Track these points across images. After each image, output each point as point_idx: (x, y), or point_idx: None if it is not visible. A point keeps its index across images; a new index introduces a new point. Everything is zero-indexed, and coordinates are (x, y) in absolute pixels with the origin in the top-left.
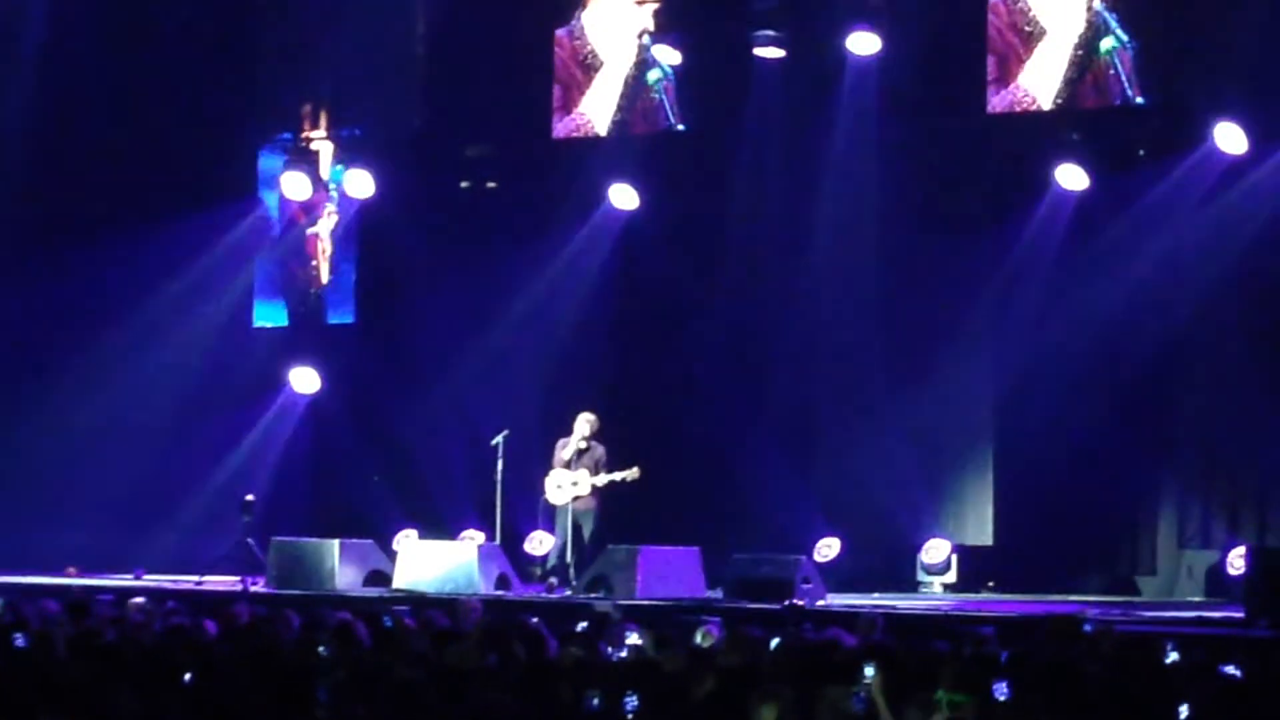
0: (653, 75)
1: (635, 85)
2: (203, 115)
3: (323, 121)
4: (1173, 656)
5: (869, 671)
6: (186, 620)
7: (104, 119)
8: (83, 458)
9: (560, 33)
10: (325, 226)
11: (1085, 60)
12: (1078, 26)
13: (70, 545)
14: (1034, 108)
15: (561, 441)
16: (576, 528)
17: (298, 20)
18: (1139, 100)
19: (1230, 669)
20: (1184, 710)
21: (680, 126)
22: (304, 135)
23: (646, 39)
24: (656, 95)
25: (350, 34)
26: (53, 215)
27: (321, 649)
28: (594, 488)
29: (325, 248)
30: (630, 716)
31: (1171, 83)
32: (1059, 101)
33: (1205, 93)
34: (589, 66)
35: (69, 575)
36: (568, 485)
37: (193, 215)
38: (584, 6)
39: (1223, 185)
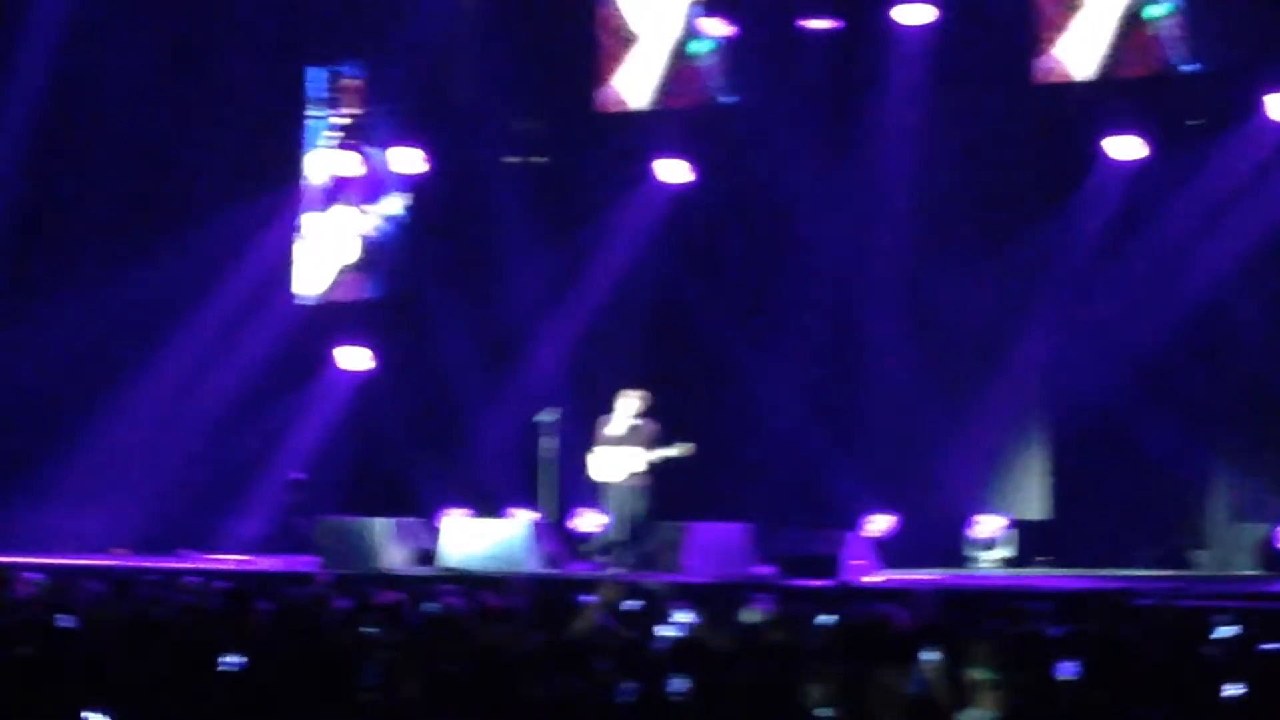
0: (699, 46)
1: (680, 57)
2: (249, 95)
3: (366, 99)
4: (1225, 631)
5: (927, 654)
6: (235, 599)
7: (151, 106)
8: (130, 440)
9: (599, 7)
10: (371, 203)
11: (1131, 26)
12: None
13: (118, 527)
14: (1080, 77)
15: (604, 418)
16: (629, 505)
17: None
18: (1187, 68)
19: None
20: (1233, 687)
21: (728, 99)
22: (351, 112)
23: (693, 10)
24: (703, 65)
25: (397, 10)
26: (103, 204)
27: (369, 629)
28: (648, 464)
29: (374, 224)
30: (679, 697)
31: (1220, 50)
32: (1105, 70)
33: (1256, 60)
34: (626, 39)
35: (116, 556)
36: (618, 462)
37: (242, 196)
38: None
39: (1275, 154)
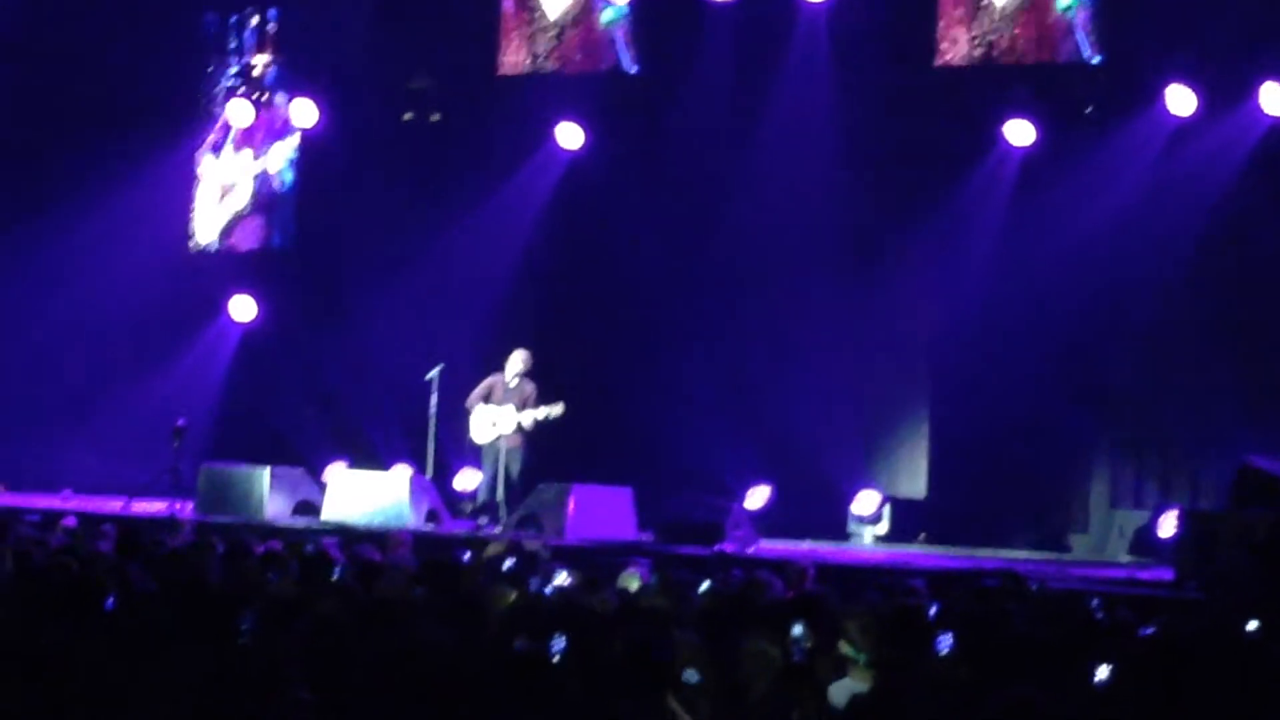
0: (606, 15)
1: (583, 22)
2: (147, 33)
3: (268, 48)
4: (1099, 615)
5: (800, 625)
6: (112, 544)
7: (50, 35)
8: (16, 373)
9: None
10: (267, 152)
11: (1038, 14)
12: None
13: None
14: (982, 60)
15: (489, 378)
16: (504, 465)
17: None
18: (1094, 59)
19: (1151, 630)
20: (1105, 670)
21: (632, 69)
22: (249, 61)
23: None
24: (609, 34)
25: None
26: None
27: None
28: (519, 425)
29: (266, 174)
30: (557, 657)
31: (1122, 40)
32: (1008, 55)
33: (1156, 52)
34: (529, 7)
35: None
36: (493, 422)
37: (136, 135)
38: None
39: (1169, 147)
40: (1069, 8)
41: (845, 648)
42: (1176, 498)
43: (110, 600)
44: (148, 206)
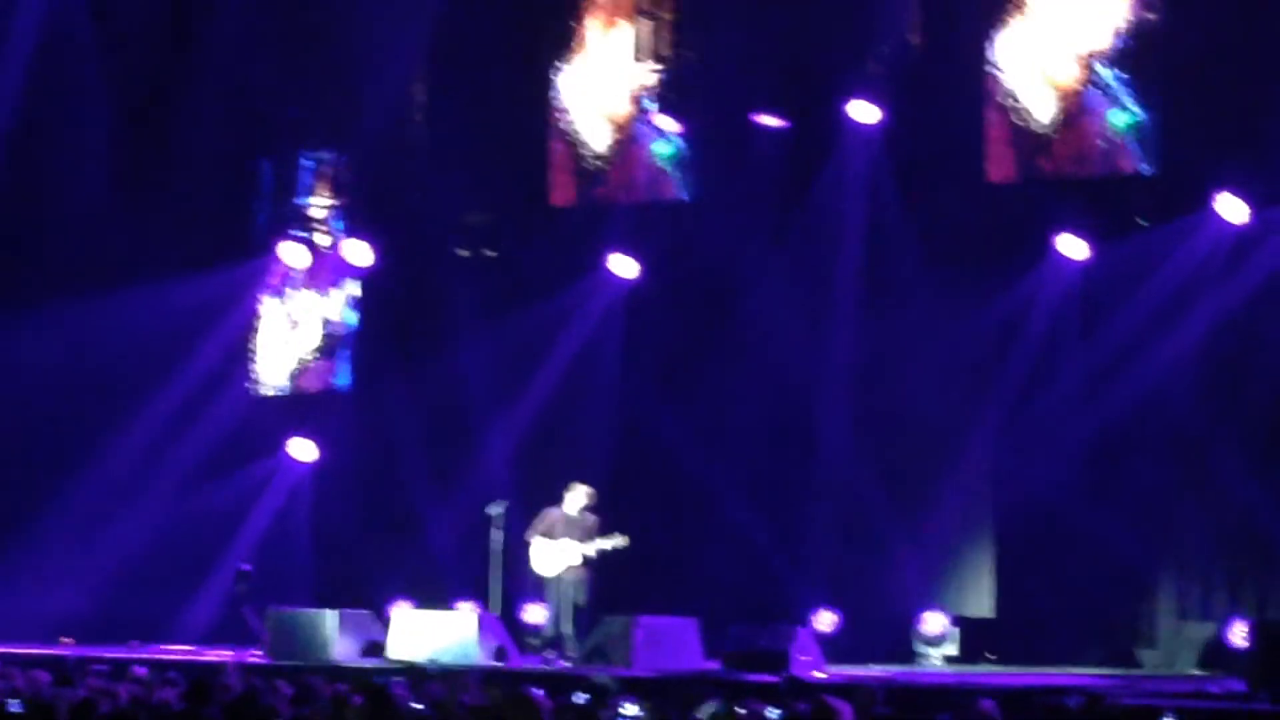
0: (660, 149)
1: (630, 154)
2: (205, 177)
3: (325, 190)
4: None
5: None
6: (184, 690)
7: (104, 177)
8: (79, 527)
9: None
10: (325, 294)
11: (1091, 128)
12: (1078, 82)
13: (66, 615)
14: (1035, 174)
15: (547, 510)
16: (570, 597)
17: (301, 87)
18: (1142, 169)
19: None
20: None
21: (680, 195)
22: (305, 203)
23: (647, 102)
24: (665, 167)
25: (350, 102)
26: (48, 277)
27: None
28: (584, 557)
29: (325, 315)
30: None
31: (1172, 150)
32: (1060, 164)
33: (1206, 160)
34: (574, 142)
35: (64, 644)
36: (557, 555)
37: (194, 279)
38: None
39: (1224, 255)
40: (1127, 127)
41: None
42: (1244, 608)
43: None
44: (205, 348)
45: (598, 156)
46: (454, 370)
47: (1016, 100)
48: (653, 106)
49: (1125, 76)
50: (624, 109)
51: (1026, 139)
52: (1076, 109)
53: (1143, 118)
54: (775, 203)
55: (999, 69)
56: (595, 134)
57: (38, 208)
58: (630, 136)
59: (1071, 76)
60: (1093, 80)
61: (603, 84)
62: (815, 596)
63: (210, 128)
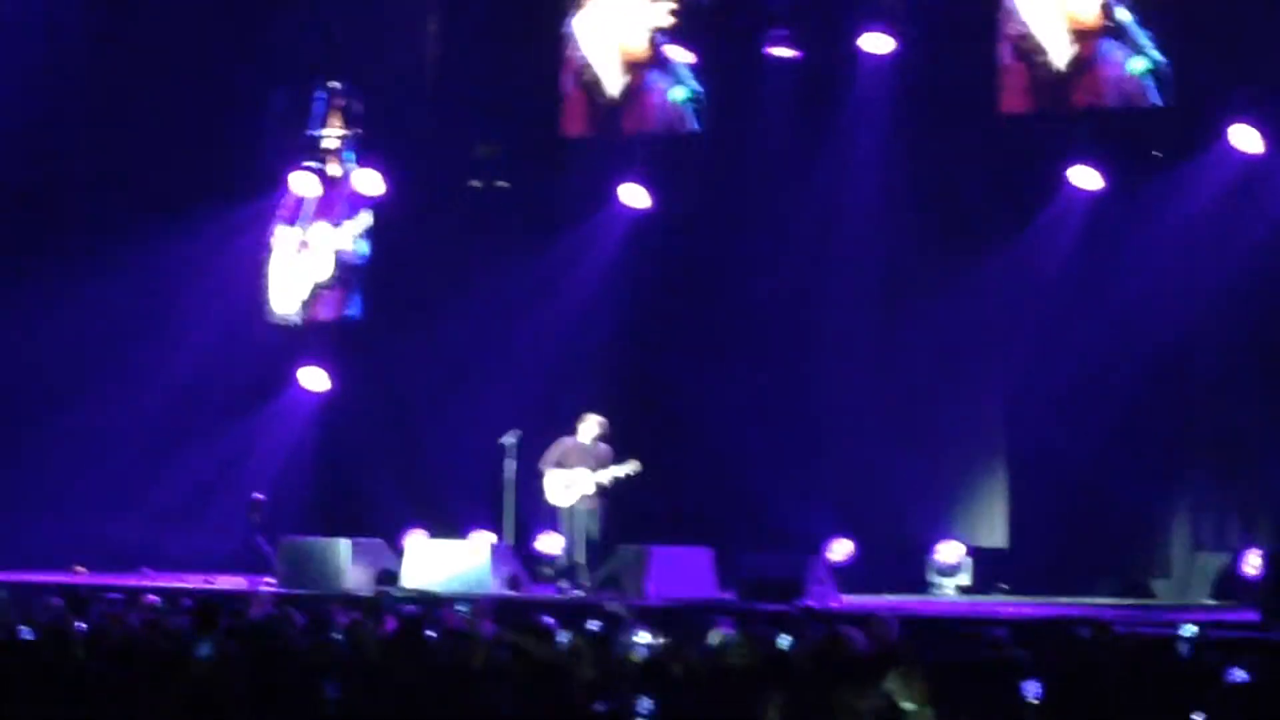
0: (677, 93)
1: (646, 86)
2: (217, 109)
3: (335, 120)
4: (1188, 631)
5: (888, 677)
6: (197, 618)
7: (112, 114)
8: (91, 455)
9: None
10: (338, 224)
11: (1108, 71)
12: (1095, 24)
13: (78, 542)
14: (1049, 107)
15: (560, 440)
16: (584, 527)
17: (311, 17)
18: (1156, 102)
19: (1240, 673)
20: (1198, 716)
21: (694, 127)
22: (318, 134)
23: (658, 37)
24: (679, 105)
25: (363, 34)
26: (61, 212)
27: (330, 647)
28: (597, 486)
29: (337, 245)
30: (644, 718)
31: (1187, 82)
32: (1074, 101)
33: (1220, 92)
34: (587, 78)
35: (77, 573)
36: (570, 485)
37: (205, 210)
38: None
39: (1238, 186)
40: (1144, 72)
41: (910, 705)
42: (1259, 538)
43: (196, 673)
44: (219, 277)
45: (610, 94)
46: (466, 301)
47: (1032, 36)
48: (666, 42)
49: (1141, 15)
50: (638, 45)
51: (1041, 73)
52: (1092, 52)
53: (1162, 63)
54: (788, 135)
55: (1014, 3)
56: (609, 70)
57: (53, 141)
58: (644, 73)
59: (1090, 15)
60: (1109, 23)
61: (617, 19)
62: (830, 526)
63: (222, 60)
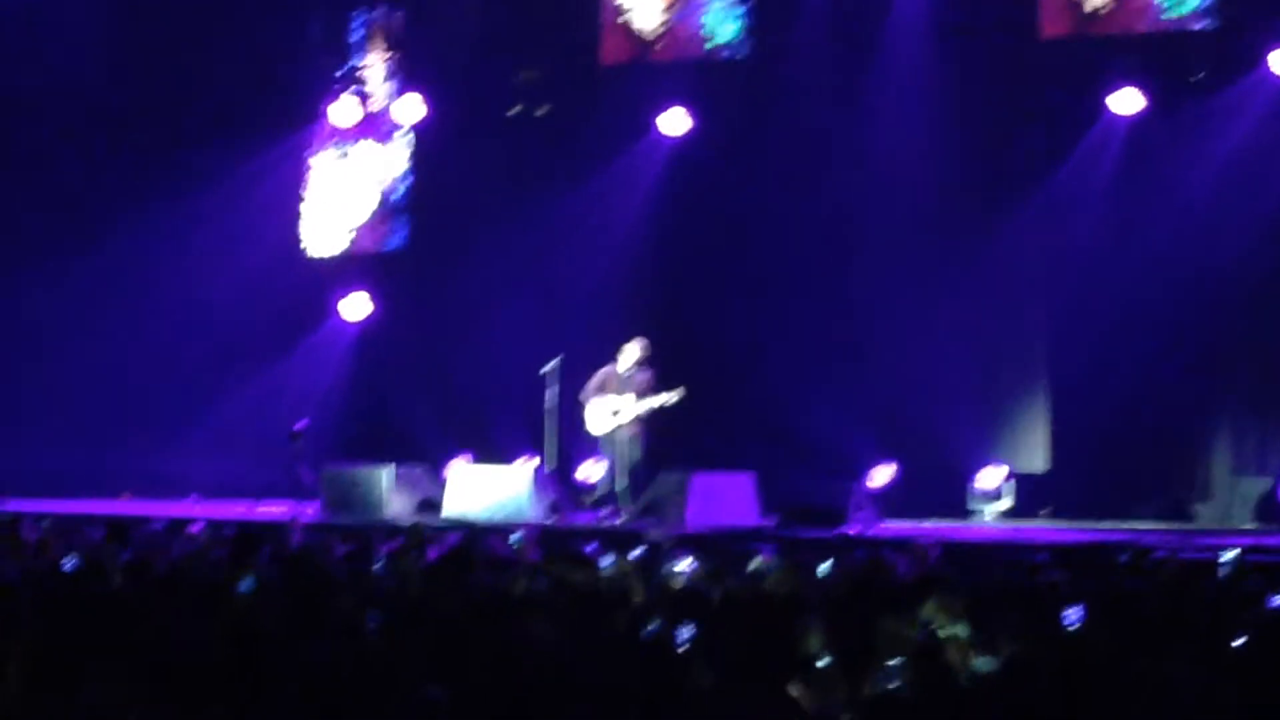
0: (717, 18)
1: (685, 10)
2: (253, 38)
3: (376, 47)
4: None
5: (928, 604)
6: (238, 546)
7: (147, 48)
8: (136, 383)
9: None
10: (377, 154)
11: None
12: None
13: (126, 469)
14: (1088, 30)
15: (603, 369)
16: (625, 454)
17: None
18: (1197, 26)
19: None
20: (1238, 641)
21: (733, 53)
22: (357, 62)
23: None
24: (718, 30)
25: None
26: (98, 147)
27: (371, 577)
28: (639, 414)
29: (377, 175)
30: (684, 645)
31: (1228, 6)
32: (1115, 25)
33: (1260, 16)
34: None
35: (124, 499)
36: (612, 413)
37: (245, 141)
38: None
39: (1277, 111)
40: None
41: (952, 629)
42: None
43: (240, 602)
44: (259, 208)
45: (650, 22)
46: (507, 228)
47: None
48: None
49: None
50: None
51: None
52: None
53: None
54: (827, 61)
55: None
56: (647, 7)
57: (88, 76)
58: (683, 11)
59: None
60: None
61: None
62: (872, 451)
63: None
